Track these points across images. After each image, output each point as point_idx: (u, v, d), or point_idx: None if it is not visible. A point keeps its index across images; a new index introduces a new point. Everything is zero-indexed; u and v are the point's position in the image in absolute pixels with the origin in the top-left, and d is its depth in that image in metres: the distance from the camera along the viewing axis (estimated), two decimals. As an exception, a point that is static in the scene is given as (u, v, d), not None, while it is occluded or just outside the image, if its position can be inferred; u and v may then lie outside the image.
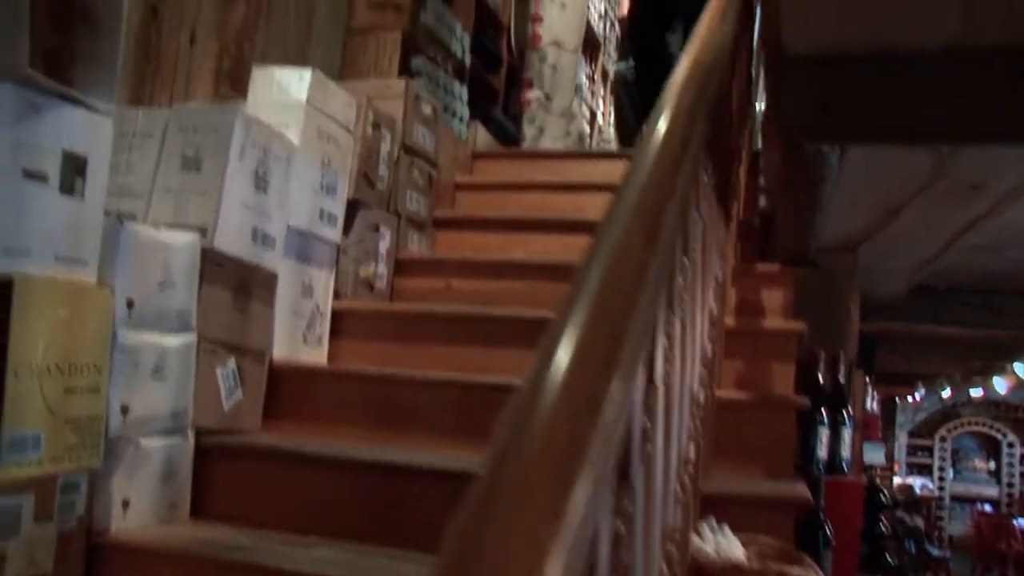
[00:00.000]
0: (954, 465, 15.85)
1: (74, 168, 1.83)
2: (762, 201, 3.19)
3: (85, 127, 1.87)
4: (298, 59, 3.55)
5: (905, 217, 2.36)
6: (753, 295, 2.96)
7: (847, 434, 3.01)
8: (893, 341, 6.24)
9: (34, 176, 1.73)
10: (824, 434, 2.98)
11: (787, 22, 1.33)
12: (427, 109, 3.46)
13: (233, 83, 3.10)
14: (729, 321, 2.66)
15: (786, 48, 1.44)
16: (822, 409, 3.00)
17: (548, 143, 5.35)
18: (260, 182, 2.39)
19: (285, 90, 2.68)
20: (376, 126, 3.03)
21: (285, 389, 2.58)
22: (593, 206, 3.76)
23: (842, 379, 3.04)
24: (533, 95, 5.48)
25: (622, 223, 0.88)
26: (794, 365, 2.68)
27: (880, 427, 11.17)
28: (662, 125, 1.17)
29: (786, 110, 1.48)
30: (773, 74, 1.55)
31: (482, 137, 4.59)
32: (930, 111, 1.43)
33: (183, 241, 2.13)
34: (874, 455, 8.13)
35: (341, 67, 3.89)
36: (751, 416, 2.44)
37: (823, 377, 3.06)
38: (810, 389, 2.97)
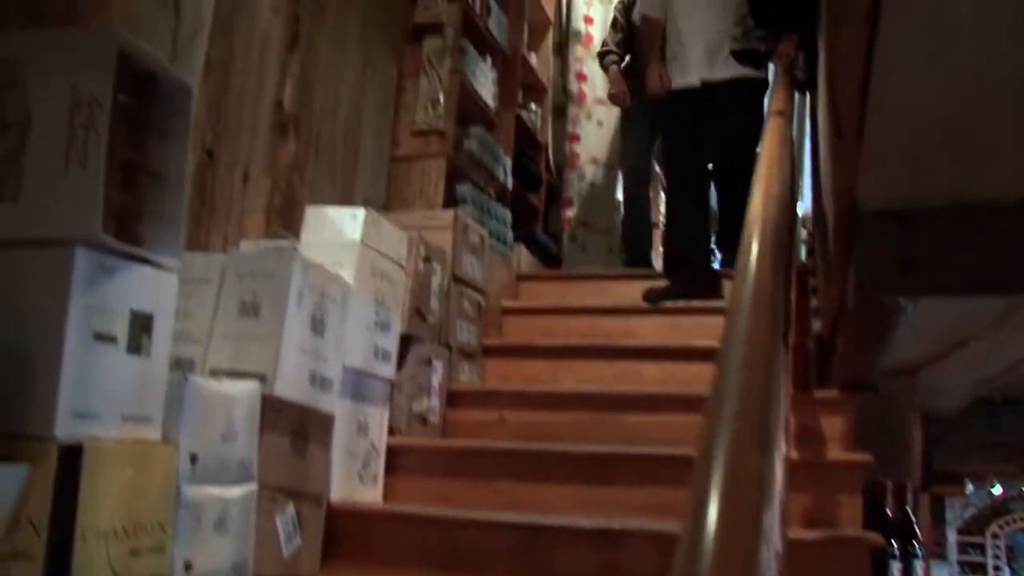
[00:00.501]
0: (1010, 564, 15.30)
1: (141, 327, 1.83)
2: (815, 324, 3.16)
3: (152, 285, 1.88)
4: (345, 189, 3.60)
5: (972, 346, 2.31)
6: (812, 422, 2.90)
7: (919, 566, 2.90)
8: (949, 451, 6.10)
9: (104, 338, 1.73)
10: (896, 568, 2.88)
11: (865, 179, 1.32)
12: (475, 238, 3.48)
13: (285, 220, 3.14)
14: (791, 453, 2.60)
15: (861, 202, 1.43)
16: (892, 542, 2.90)
17: (590, 261, 5.35)
18: (317, 325, 2.39)
19: (339, 229, 2.70)
20: (427, 260, 3.04)
21: (342, 531, 2.54)
22: (641, 328, 3.74)
23: (910, 509, 2.95)
24: (573, 213, 5.51)
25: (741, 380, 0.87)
26: (861, 497, 2.60)
27: (935, 535, 10.87)
28: (752, 288, 1.15)
29: (862, 264, 1.46)
30: (846, 226, 1.53)
31: (525, 258, 4.61)
32: (1014, 262, 1.41)
33: (244, 391, 2.12)
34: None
35: (387, 195, 3.94)
36: (822, 556, 2.36)
37: (891, 508, 2.97)
38: (878, 521, 2.88)
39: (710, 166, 4.13)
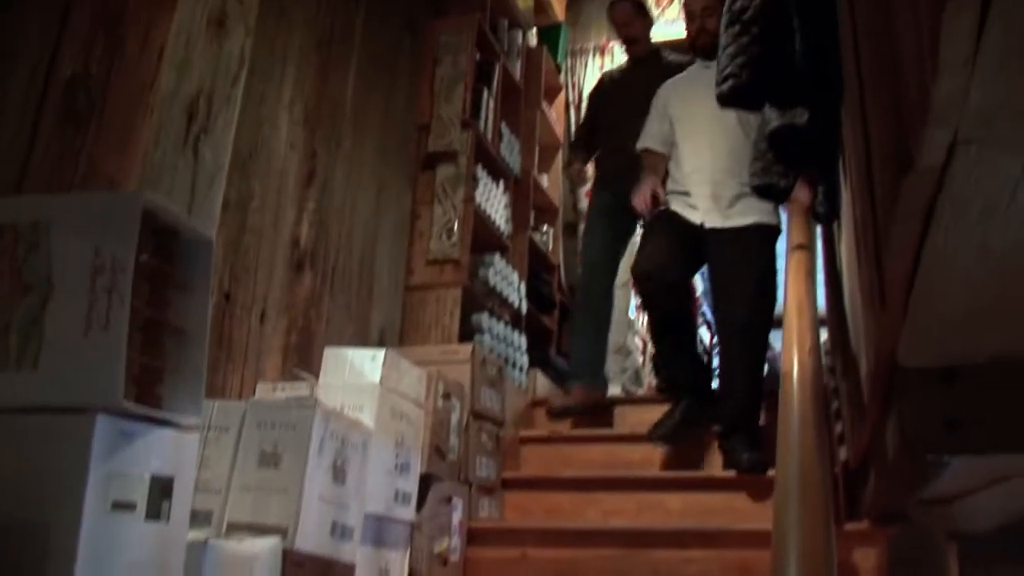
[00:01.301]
0: None
1: (160, 491, 1.78)
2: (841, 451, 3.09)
3: (172, 446, 1.84)
4: (361, 321, 3.59)
5: (1014, 481, 2.25)
6: (843, 556, 2.81)
7: None
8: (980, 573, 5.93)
9: (122, 506, 1.68)
10: None
11: (906, 342, 1.29)
12: (492, 370, 3.45)
13: (302, 356, 3.11)
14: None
15: (901, 359, 1.39)
16: None
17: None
18: (338, 474, 2.34)
19: (358, 371, 2.67)
20: (446, 396, 3.00)
21: None
22: (660, 456, 3.67)
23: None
24: (586, 333, 5.47)
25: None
26: (899, 638, 2.50)
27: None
28: (797, 470, 1.11)
29: (904, 420, 1.42)
30: (883, 377, 1.49)
31: (541, 383, 4.56)
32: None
33: (265, 548, 2.06)
34: None
35: (402, 325, 3.92)
36: None
37: (931, 648, 2.86)
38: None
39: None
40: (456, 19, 4.31)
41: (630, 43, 4.67)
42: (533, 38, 5.38)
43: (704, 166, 3.71)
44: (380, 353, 2.69)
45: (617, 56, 5.73)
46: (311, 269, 3.26)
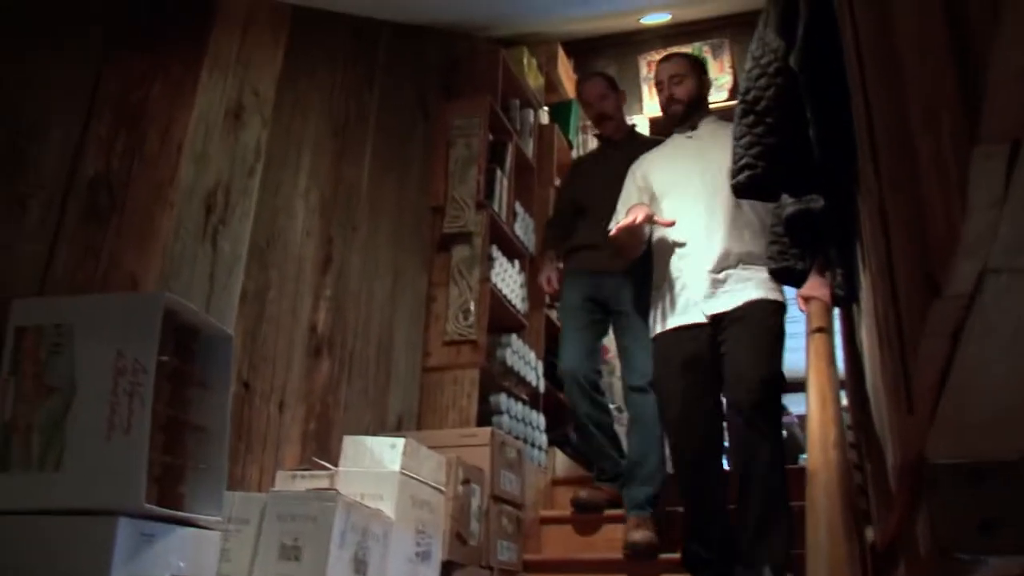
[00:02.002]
0: None
1: (182, 592, 1.78)
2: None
3: (194, 545, 1.83)
4: (379, 406, 3.58)
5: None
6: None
7: None
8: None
9: (144, 611, 1.67)
10: None
11: (935, 443, 1.27)
12: (511, 453, 3.43)
13: (320, 444, 3.10)
14: None
15: (930, 457, 1.38)
16: None
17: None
18: (360, 566, 2.32)
19: (378, 459, 2.66)
20: (466, 482, 2.98)
21: None
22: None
23: None
24: (605, 409, 5.45)
25: None
26: None
27: None
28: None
29: (936, 520, 1.39)
30: (911, 470, 1.47)
31: (560, 460, 4.52)
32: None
33: (286, 648, 2.04)
34: None
35: (420, 408, 3.91)
36: None
37: None
38: None
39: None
40: (468, 102, 4.37)
41: (602, 121, 4.32)
42: (545, 116, 5.44)
43: (698, 244, 3.38)
44: (400, 441, 2.68)
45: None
46: (329, 355, 3.26)
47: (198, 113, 2.61)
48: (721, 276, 3.34)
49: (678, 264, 3.45)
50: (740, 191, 2.03)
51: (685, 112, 3.67)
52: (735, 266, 3.33)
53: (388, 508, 2.54)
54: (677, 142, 3.72)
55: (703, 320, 3.34)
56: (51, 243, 2.06)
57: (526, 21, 4.45)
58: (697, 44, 4.83)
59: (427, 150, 4.24)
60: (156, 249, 2.41)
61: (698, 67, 3.82)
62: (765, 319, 3.27)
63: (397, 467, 2.63)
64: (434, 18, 4.01)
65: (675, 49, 4.70)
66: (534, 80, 5.13)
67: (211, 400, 2.02)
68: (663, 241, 3.54)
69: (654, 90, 4.65)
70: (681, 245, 3.45)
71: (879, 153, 1.07)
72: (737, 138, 2.10)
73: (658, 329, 3.47)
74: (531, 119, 5.07)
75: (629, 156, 3.92)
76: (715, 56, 4.87)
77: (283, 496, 2.37)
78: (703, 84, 3.78)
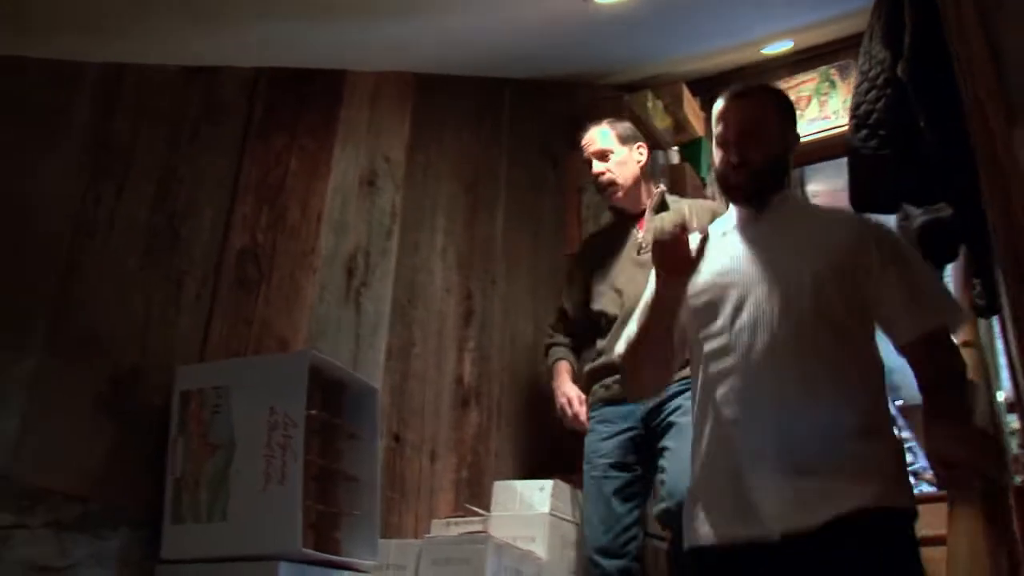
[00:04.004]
0: None
1: (343, 633, 1.87)
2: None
3: (351, 589, 1.93)
4: (528, 450, 3.64)
5: None
6: None
7: None
8: None
9: (308, 651, 1.77)
10: None
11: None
12: (663, 490, 3.43)
13: (472, 491, 3.18)
14: None
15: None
16: None
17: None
18: (514, 606, 2.38)
19: (528, 503, 2.72)
20: (617, 520, 3.00)
21: None
22: None
23: None
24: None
25: None
26: None
27: None
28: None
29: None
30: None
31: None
32: None
33: None
34: None
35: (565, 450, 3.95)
36: None
37: None
38: None
39: None
40: (595, 149, 4.44)
41: (606, 189, 3.07)
42: (675, 156, 5.47)
43: (761, 396, 1.77)
44: (548, 483, 2.74)
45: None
46: (476, 405, 3.35)
47: (334, 184, 2.77)
48: (805, 456, 1.75)
49: (723, 436, 1.88)
50: (858, 204, 2.02)
51: (755, 187, 1.94)
52: (825, 443, 1.81)
53: (540, 549, 2.60)
54: (744, 224, 1.99)
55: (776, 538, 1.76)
56: (207, 313, 2.23)
57: (645, 65, 4.50)
58: (823, 68, 4.78)
59: (558, 199, 4.33)
60: (303, 313, 2.56)
61: (787, 110, 2.05)
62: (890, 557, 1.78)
63: (546, 509, 2.68)
64: (554, 71, 4.12)
65: (787, 80, 4.63)
66: (661, 122, 5.17)
67: (361, 451, 2.13)
68: (702, 396, 1.98)
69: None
70: (737, 403, 1.88)
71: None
72: (852, 152, 2.10)
73: None
74: (661, 160, 5.10)
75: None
76: (843, 77, 4.80)
77: (437, 541, 2.46)
78: (790, 137, 2.01)
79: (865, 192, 2.19)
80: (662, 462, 2.67)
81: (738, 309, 1.81)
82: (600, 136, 3.08)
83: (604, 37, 3.74)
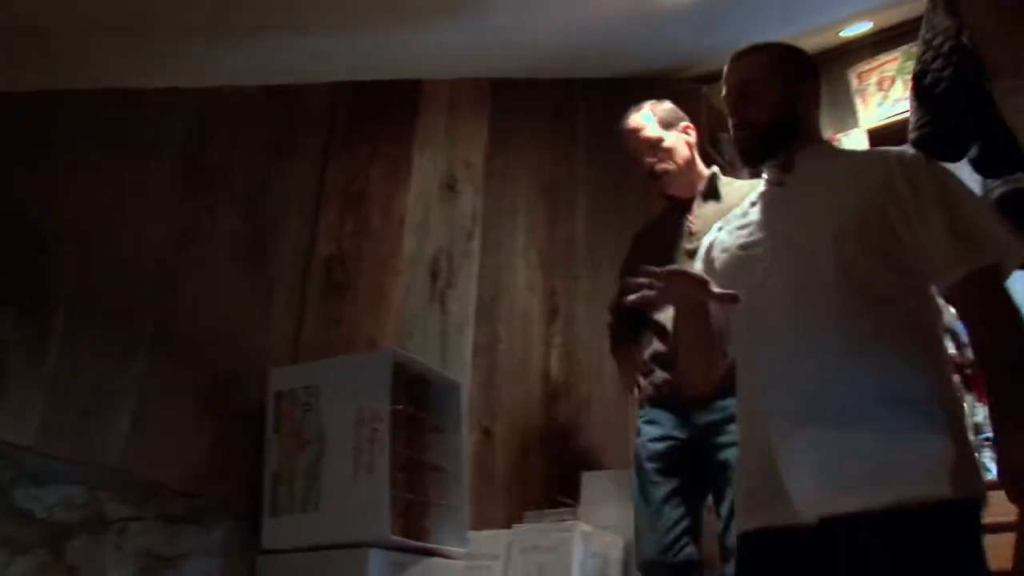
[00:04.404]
0: None
1: (434, 617, 1.97)
2: None
3: (441, 574, 2.03)
4: (619, 441, 3.69)
5: None
6: None
7: None
8: None
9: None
10: None
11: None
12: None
13: (563, 484, 3.25)
14: None
15: None
16: None
17: None
18: (603, 590, 2.44)
19: (616, 492, 2.78)
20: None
21: None
22: None
23: None
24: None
25: None
26: None
27: None
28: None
29: None
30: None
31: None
32: None
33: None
34: None
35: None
36: None
37: None
38: None
39: None
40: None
41: (660, 179, 2.76)
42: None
43: (790, 379, 1.61)
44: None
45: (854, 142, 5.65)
46: (565, 399, 3.42)
47: (415, 190, 2.88)
48: (832, 435, 1.64)
49: (753, 418, 1.82)
50: (919, 143, 1.97)
51: (763, 144, 1.78)
52: (860, 421, 1.66)
53: (628, 537, 2.65)
54: (767, 193, 1.83)
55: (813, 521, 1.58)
56: (298, 317, 2.35)
57: (721, 56, 4.50)
58: (904, 47, 4.70)
59: (641, 195, 4.36)
60: (389, 314, 2.67)
61: (788, 64, 1.86)
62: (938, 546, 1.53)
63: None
64: (630, 68, 4.16)
65: (870, 61, 4.57)
66: (741, 112, 5.16)
67: (447, 443, 2.23)
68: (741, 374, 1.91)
69: (870, 99, 4.44)
70: (763, 377, 1.76)
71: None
72: (916, 126, 2.08)
73: None
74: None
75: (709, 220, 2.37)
76: (928, 57, 4.72)
77: (526, 531, 2.54)
78: (797, 90, 1.82)
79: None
80: (722, 509, 2.36)
81: (760, 286, 1.66)
82: (647, 122, 2.80)
83: (677, 30, 3.77)
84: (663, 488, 2.43)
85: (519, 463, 3.08)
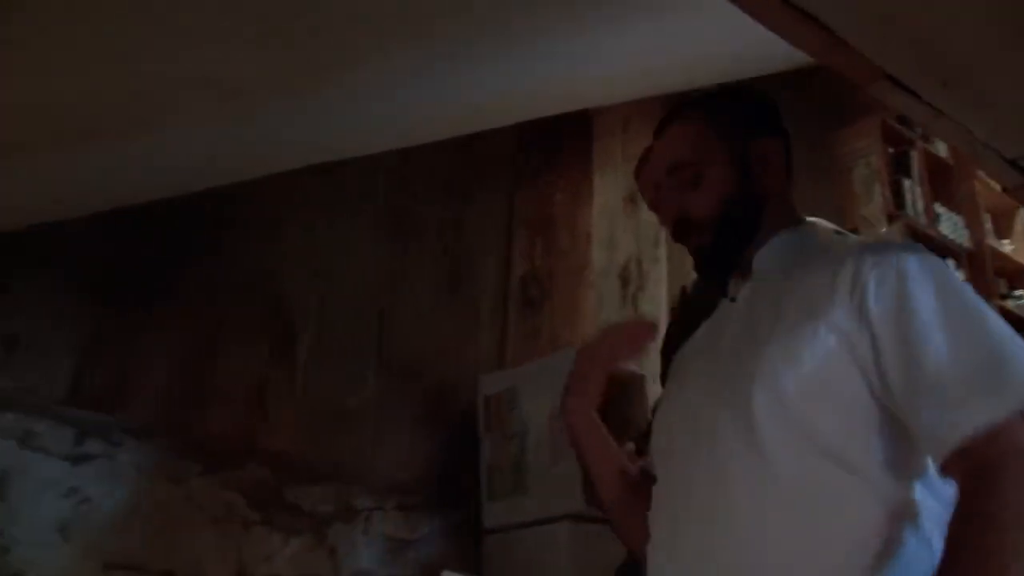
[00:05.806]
0: None
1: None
2: None
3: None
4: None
5: None
6: None
7: None
8: None
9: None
10: None
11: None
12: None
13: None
14: None
15: None
16: None
17: None
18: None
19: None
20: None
21: None
22: None
23: None
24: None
25: None
26: None
27: None
28: None
29: None
30: None
31: None
32: None
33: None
34: None
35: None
36: None
37: None
38: None
39: None
40: (857, 126, 4.54)
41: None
42: (955, 112, 5.37)
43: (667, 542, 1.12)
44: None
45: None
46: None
47: (598, 207, 3.22)
48: None
49: None
50: None
51: (712, 248, 1.22)
52: None
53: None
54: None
55: None
56: (501, 331, 2.75)
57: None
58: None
59: (823, 182, 4.48)
60: (585, 322, 3.02)
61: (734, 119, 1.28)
62: None
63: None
64: (799, 62, 4.28)
65: None
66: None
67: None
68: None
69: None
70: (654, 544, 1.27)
71: None
72: None
73: None
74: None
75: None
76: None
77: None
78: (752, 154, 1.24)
79: None
80: None
81: (671, 436, 1.17)
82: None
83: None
84: None
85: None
